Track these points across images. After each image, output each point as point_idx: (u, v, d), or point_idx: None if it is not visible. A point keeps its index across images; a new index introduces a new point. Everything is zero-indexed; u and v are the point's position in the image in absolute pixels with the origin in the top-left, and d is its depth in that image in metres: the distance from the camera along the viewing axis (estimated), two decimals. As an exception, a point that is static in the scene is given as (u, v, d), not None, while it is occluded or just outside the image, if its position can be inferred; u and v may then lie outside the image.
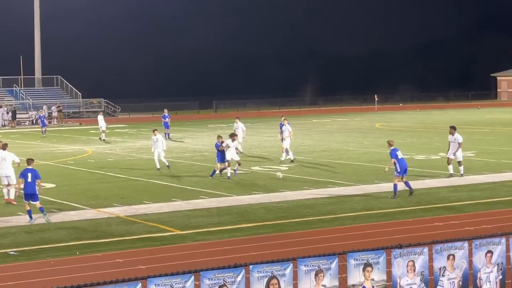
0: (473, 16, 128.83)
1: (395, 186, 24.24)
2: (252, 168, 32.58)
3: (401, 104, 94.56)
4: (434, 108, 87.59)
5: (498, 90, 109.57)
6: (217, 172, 29.74)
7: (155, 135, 32.92)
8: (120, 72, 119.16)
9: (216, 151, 30.04)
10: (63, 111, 75.69)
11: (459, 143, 28.84)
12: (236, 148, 31.14)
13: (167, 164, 32.45)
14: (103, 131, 50.14)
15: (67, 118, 76.93)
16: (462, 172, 28.62)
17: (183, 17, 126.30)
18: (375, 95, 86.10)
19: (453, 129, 29.39)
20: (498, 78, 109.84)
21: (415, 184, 26.79)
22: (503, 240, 11.91)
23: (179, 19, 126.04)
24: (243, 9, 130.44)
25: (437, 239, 12.09)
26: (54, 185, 28.54)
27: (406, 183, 24.45)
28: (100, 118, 51.44)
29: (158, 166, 32.35)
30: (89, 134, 53.08)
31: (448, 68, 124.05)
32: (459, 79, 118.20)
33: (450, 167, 28.63)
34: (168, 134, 48.73)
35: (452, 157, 28.74)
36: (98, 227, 20.49)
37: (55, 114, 73.84)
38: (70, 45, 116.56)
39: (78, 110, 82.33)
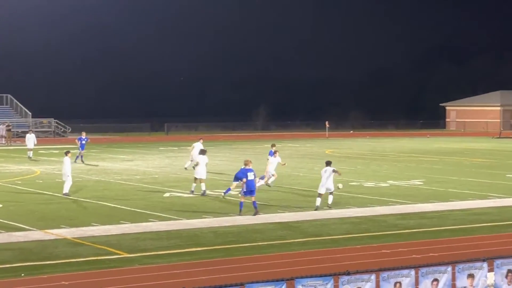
0: (423, 46, 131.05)
1: (240, 203, 25.99)
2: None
3: (351, 131, 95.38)
4: (384, 136, 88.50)
5: (447, 119, 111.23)
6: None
7: (68, 157, 31.46)
8: (72, 93, 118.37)
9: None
10: (12, 130, 74.67)
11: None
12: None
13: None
14: (30, 149, 50.06)
15: (16, 137, 75.90)
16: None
17: (136, 39, 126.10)
18: (326, 122, 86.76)
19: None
20: (447, 107, 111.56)
21: (364, 211, 27.03)
22: (449, 268, 12.08)
23: (132, 41, 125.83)
24: (196, 33, 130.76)
25: (384, 267, 12.20)
26: (1, 205, 28.10)
27: (254, 203, 25.82)
28: (30, 136, 51.08)
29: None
30: (38, 154, 52.47)
31: (399, 97, 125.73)
32: (409, 107, 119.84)
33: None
34: (81, 157, 47.80)
35: (322, 191, 27.40)
36: (44, 248, 20.20)
37: (3, 133, 72.82)
38: (20, 64, 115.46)
39: (27, 130, 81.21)
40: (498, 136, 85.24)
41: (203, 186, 31.43)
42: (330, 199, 27.92)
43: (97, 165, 45.50)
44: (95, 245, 20.63)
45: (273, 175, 34.39)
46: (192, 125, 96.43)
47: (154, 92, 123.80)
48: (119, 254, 19.57)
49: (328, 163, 28.50)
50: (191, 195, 31.25)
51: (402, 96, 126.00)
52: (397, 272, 11.57)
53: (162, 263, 18.54)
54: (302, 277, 10.91)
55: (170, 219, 25.19)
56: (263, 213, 26.27)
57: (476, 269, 12.38)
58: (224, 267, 18.00)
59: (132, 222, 24.36)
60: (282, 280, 10.72)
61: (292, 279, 10.86)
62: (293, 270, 16.99)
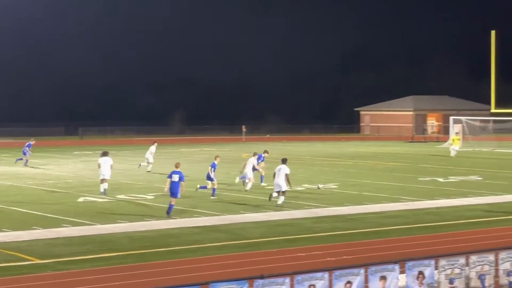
0: (338, 51, 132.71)
1: (170, 206, 26.32)
2: (116, 196, 32.12)
3: (268, 136, 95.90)
4: (300, 140, 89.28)
5: (361, 124, 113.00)
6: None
7: None
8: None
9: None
10: None
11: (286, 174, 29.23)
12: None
13: None
14: None
15: None
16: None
17: (49, 41, 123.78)
18: (243, 126, 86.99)
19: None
20: (361, 112, 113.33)
21: (280, 215, 27.16)
22: (362, 271, 12.23)
23: (45, 41, 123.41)
24: (111, 34, 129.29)
25: (299, 270, 12.27)
26: None
27: (171, 206, 26.37)
28: None
29: None
30: None
31: (314, 101, 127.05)
32: (325, 112, 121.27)
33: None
34: (21, 159, 47.84)
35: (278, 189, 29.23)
36: (-48, 255, 19.61)
37: None
38: None
39: None
40: (411, 140, 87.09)
41: (105, 186, 32.44)
42: (281, 199, 28.95)
43: (43, 168, 46.17)
44: (6, 251, 20.15)
45: (249, 179, 34.80)
46: (107, 129, 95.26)
47: (68, 95, 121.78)
48: (31, 260, 19.16)
49: (284, 161, 29.19)
50: (105, 199, 30.88)
51: (318, 100, 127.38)
52: (311, 275, 11.66)
53: (75, 269, 18.23)
54: (216, 281, 10.87)
55: (83, 224, 24.81)
56: (180, 218, 26.13)
57: (388, 271, 12.57)
58: (138, 273, 17.81)
59: (44, 228, 23.89)
60: (197, 284, 10.66)
61: (206, 283, 10.81)
62: (209, 275, 16.95)
